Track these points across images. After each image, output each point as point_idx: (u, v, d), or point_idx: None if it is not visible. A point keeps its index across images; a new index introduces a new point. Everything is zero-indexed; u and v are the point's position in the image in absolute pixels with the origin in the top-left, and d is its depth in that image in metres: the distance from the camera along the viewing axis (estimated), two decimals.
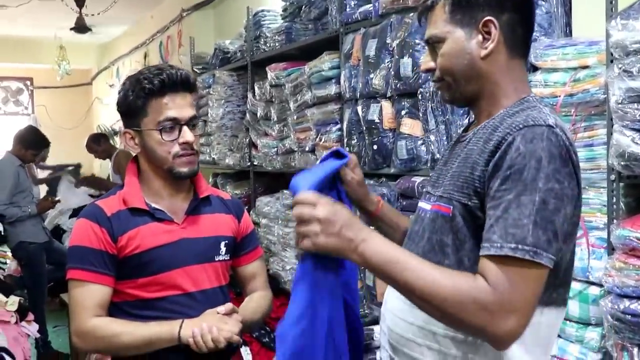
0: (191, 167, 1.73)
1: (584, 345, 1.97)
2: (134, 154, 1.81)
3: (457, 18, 1.32)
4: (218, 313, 1.68)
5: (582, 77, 1.97)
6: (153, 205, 1.74)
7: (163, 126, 1.68)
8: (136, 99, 1.70)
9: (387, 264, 1.21)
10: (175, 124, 1.69)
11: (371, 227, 1.42)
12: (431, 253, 1.32)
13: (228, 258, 1.84)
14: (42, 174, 7.61)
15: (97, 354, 4.18)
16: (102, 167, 8.91)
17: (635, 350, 1.75)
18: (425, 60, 1.40)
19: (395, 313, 1.40)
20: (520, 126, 1.21)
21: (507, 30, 1.31)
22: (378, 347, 2.66)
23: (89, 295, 1.67)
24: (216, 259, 1.79)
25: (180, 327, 1.63)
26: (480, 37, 1.31)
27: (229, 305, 1.71)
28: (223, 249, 1.80)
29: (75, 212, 7.20)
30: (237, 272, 1.94)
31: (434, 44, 1.36)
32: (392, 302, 1.43)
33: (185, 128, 1.70)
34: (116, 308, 1.72)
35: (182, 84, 1.71)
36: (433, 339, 1.31)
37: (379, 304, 2.78)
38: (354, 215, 1.26)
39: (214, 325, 1.62)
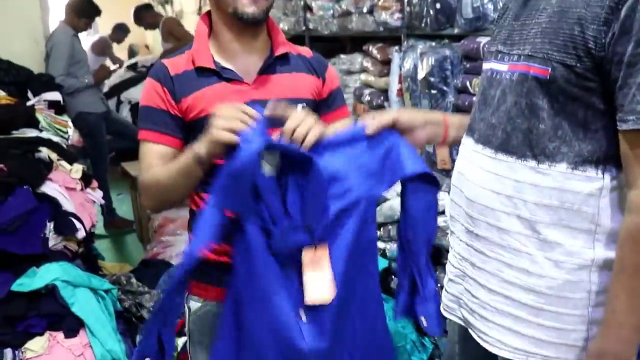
0: (257, 8, 1.56)
1: None
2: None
3: None
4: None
5: None
6: (222, 64, 1.62)
7: None
8: None
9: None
10: None
11: None
12: (520, 118, 1.24)
13: None
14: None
15: (160, 218, 4.33)
16: (155, 39, 8.83)
17: None
18: None
19: (477, 183, 1.34)
20: None
21: None
22: (440, 213, 2.65)
23: (151, 154, 1.62)
24: None
25: (195, 146, 1.42)
26: None
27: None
28: None
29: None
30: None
31: None
32: (473, 172, 1.36)
33: None
34: None
35: None
36: (524, 206, 1.26)
37: (439, 171, 2.74)
38: None
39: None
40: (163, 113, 1.61)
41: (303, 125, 1.35)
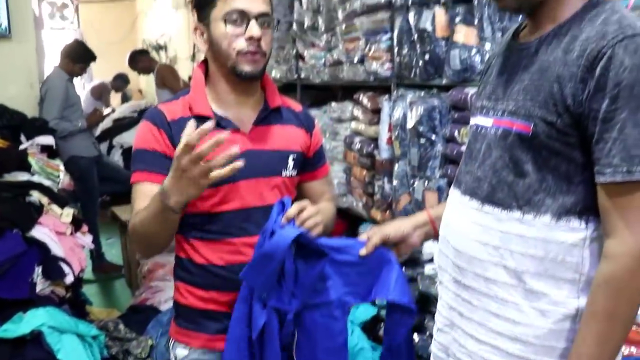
0: (255, 67, 1.62)
1: None
2: (203, 55, 1.70)
3: None
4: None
5: None
6: (219, 113, 1.66)
7: (229, 17, 1.59)
8: None
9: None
10: (243, 17, 1.59)
11: None
12: (504, 171, 1.28)
13: (295, 174, 1.74)
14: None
15: (149, 263, 4.31)
16: (147, 83, 8.93)
17: None
18: None
19: (464, 234, 1.36)
20: (620, 37, 1.13)
21: None
22: (428, 261, 2.66)
23: (141, 194, 1.61)
24: (283, 174, 1.70)
25: (163, 196, 1.46)
26: None
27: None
28: (291, 163, 1.71)
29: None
30: (305, 189, 1.84)
31: None
32: (460, 223, 1.38)
33: (253, 22, 1.59)
34: (182, 220, 1.63)
35: None
36: (510, 257, 1.28)
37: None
38: None
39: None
40: (158, 155, 1.62)
41: (314, 218, 1.54)
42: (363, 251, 1.53)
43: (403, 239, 1.56)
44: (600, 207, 1.20)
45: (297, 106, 1.84)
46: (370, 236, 1.56)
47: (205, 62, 1.73)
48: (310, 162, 1.81)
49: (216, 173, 1.39)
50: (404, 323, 1.58)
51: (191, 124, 1.38)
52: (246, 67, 1.61)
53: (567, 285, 1.25)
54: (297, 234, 1.49)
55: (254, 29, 1.59)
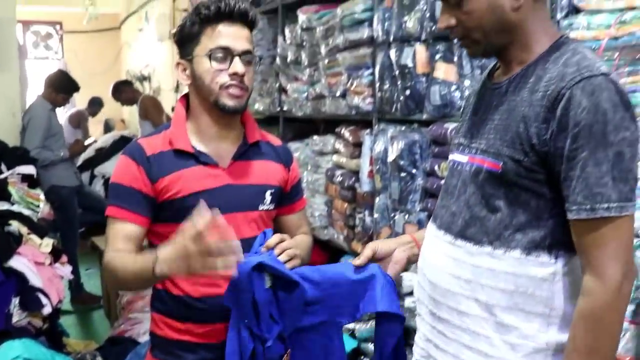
0: (238, 102, 1.66)
1: None
2: (186, 85, 1.74)
3: None
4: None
5: (628, 19, 1.88)
6: (199, 147, 1.69)
7: (214, 54, 1.63)
8: (191, 26, 1.66)
9: None
10: (228, 54, 1.63)
11: None
12: (477, 207, 1.31)
13: (272, 208, 1.78)
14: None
15: (129, 295, 4.28)
16: (131, 114, 8.94)
17: None
18: (445, 18, 1.33)
19: (439, 267, 1.39)
20: (577, 79, 1.18)
21: None
22: (408, 294, 2.67)
23: (117, 231, 1.65)
24: (260, 208, 1.73)
25: (155, 263, 1.47)
26: None
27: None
28: (268, 198, 1.75)
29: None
30: (281, 221, 1.87)
31: (455, 1, 1.29)
32: (435, 257, 1.41)
33: (237, 59, 1.64)
34: None
35: (239, 15, 1.65)
36: (482, 290, 1.31)
37: None
38: None
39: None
40: (135, 192, 1.65)
41: (292, 250, 1.60)
42: (357, 261, 1.55)
43: (389, 253, 1.58)
44: (575, 243, 1.23)
45: (276, 141, 1.88)
46: (362, 252, 1.59)
47: (186, 97, 1.76)
48: (288, 196, 1.85)
49: (213, 272, 1.37)
50: (393, 332, 1.59)
51: (203, 206, 1.34)
52: (229, 102, 1.65)
53: (537, 319, 1.27)
54: (258, 262, 1.51)
55: (237, 65, 1.63)
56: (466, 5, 1.28)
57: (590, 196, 1.17)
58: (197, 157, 1.67)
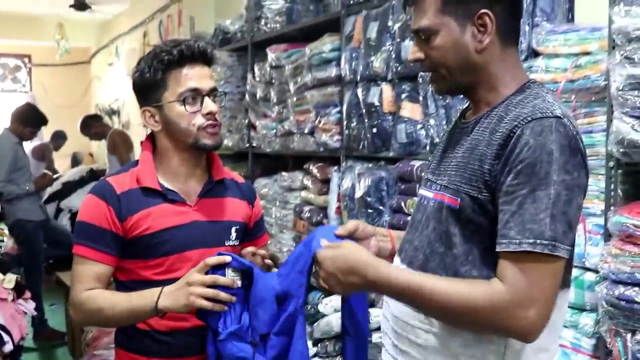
0: (216, 139, 1.70)
1: (578, 330, 1.98)
2: (152, 130, 1.76)
3: (450, 9, 1.29)
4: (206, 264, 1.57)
5: (583, 64, 1.97)
6: (166, 185, 1.71)
7: (185, 97, 1.65)
8: (155, 73, 1.67)
9: (401, 292, 1.29)
10: (197, 94, 1.66)
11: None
12: (437, 242, 1.33)
13: (237, 243, 1.80)
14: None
15: (94, 331, 4.21)
16: (99, 148, 8.89)
17: (629, 335, 1.77)
18: (413, 51, 1.37)
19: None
20: (529, 119, 1.21)
21: (501, 20, 1.30)
22: (376, 329, 2.68)
23: (86, 270, 1.66)
24: (226, 244, 1.75)
25: (158, 297, 1.57)
26: (474, 29, 1.29)
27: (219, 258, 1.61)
28: (234, 234, 1.77)
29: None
30: (245, 257, 1.90)
31: (423, 35, 1.33)
32: None
33: (207, 99, 1.67)
34: (124, 287, 1.71)
35: (200, 56, 1.68)
36: (439, 325, 1.32)
37: None
38: (357, 254, 1.35)
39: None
40: (105, 231, 1.66)
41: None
42: (339, 231, 1.51)
43: (367, 237, 1.56)
44: (497, 270, 1.23)
45: (239, 178, 1.92)
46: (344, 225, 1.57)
47: (151, 136, 1.78)
48: (251, 232, 1.88)
49: (205, 303, 1.51)
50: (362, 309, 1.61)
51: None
52: (209, 141, 1.69)
53: (492, 355, 1.29)
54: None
55: (210, 105, 1.67)
56: (433, 40, 1.32)
57: (522, 231, 1.17)
58: (165, 195, 1.70)
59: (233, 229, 1.78)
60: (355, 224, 1.53)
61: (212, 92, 1.69)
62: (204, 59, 1.70)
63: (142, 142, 1.80)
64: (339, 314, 2.66)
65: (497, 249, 1.21)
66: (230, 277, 1.54)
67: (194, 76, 1.66)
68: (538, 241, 1.16)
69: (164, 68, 1.66)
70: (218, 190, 1.79)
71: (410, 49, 1.41)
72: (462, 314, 1.22)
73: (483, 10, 1.27)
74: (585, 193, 1.25)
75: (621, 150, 1.77)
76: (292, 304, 1.54)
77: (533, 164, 1.18)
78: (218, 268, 1.54)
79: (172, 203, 1.70)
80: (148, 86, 1.70)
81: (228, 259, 1.54)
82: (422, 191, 1.46)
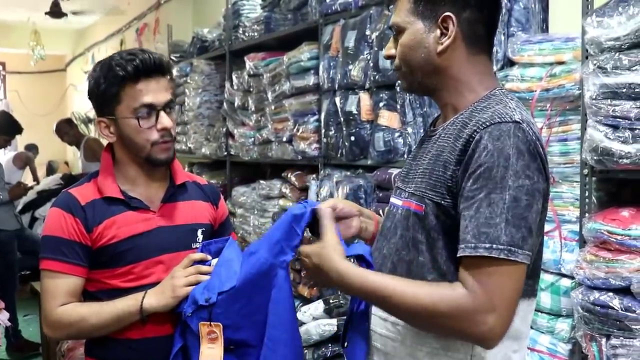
0: (168, 154, 1.70)
1: (554, 335, 2.01)
2: (106, 142, 1.77)
3: (419, 10, 1.32)
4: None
5: (557, 73, 2.00)
6: (129, 193, 1.71)
7: (139, 113, 1.64)
8: (109, 86, 1.64)
9: (367, 292, 1.29)
10: (152, 109, 1.65)
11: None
12: (404, 250, 1.33)
13: None
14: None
15: (69, 342, 4.16)
16: (74, 155, 8.80)
17: (604, 340, 1.79)
18: (388, 47, 1.40)
19: (374, 311, 1.41)
20: (487, 123, 1.21)
21: (467, 27, 1.30)
22: None
23: (59, 285, 1.64)
24: (193, 247, 1.75)
25: (143, 297, 1.61)
26: (438, 32, 1.30)
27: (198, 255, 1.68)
28: (200, 236, 1.77)
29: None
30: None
31: (396, 32, 1.36)
32: None
33: (162, 113, 1.66)
34: (93, 297, 1.69)
35: (155, 68, 1.66)
36: (406, 333, 1.32)
37: None
38: (331, 254, 1.36)
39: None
40: (74, 243, 1.65)
41: None
42: (318, 206, 1.50)
43: (348, 216, 1.55)
44: (459, 275, 1.22)
45: (202, 180, 1.92)
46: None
47: (111, 146, 1.77)
48: (218, 233, 1.87)
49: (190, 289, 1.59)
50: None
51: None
52: (161, 156, 1.69)
53: None
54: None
55: (165, 120, 1.66)
56: (400, 37, 1.35)
57: (478, 235, 1.16)
58: (127, 203, 1.70)
59: (199, 231, 1.78)
60: (333, 202, 1.53)
61: (168, 106, 1.68)
62: (160, 70, 1.67)
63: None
64: (317, 322, 2.67)
65: (458, 254, 1.20)
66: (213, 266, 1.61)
67: (148, 91, 1.64)
68: (494, 246, 1.15)
69: (118, 83, 1.64)
70: (180, 194, 1.79)
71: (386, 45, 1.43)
72: (424, 317, 1.21)
73: (447, 14, 1.29)
74: (545, 198, 1.24)
75: (595, 158, 1.80)
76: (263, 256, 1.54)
77: (490, 168, 1.17)
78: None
79: (135, 210, 1.69)
80: (102, 98, 1.68)
81: (209, 257, 1.64)
82: (392, 199, 1.45)
